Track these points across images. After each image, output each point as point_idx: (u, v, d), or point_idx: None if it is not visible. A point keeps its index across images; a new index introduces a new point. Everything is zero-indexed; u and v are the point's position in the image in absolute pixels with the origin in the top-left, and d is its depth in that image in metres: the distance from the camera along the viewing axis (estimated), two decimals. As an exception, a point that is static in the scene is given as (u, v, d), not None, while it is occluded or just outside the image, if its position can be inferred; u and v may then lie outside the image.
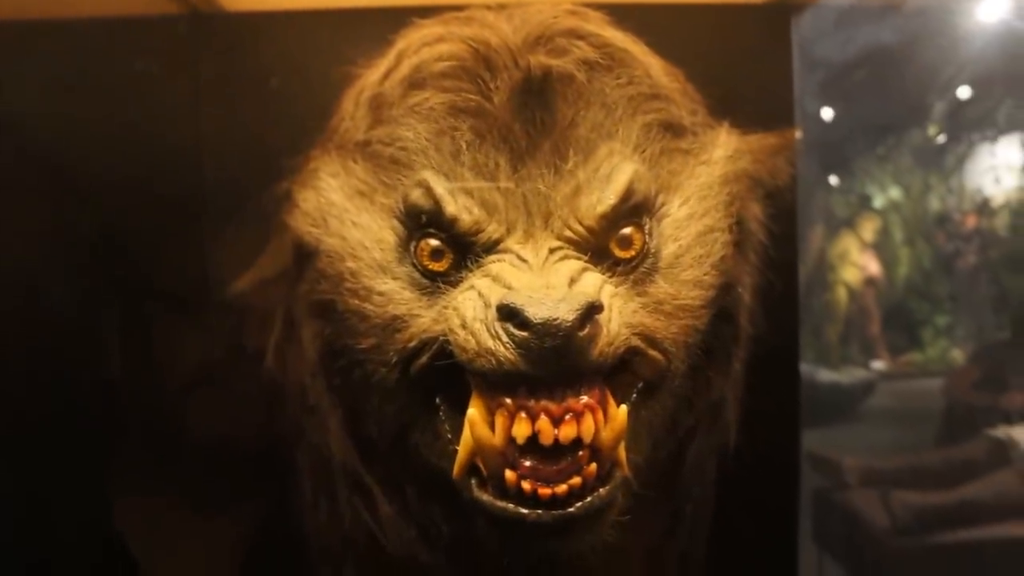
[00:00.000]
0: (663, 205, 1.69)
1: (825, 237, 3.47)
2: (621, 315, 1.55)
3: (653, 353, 1.63)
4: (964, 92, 3.14)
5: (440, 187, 1.62)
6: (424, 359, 1.60)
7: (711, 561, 2.03)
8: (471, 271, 1.60)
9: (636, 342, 1.58)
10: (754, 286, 1.87)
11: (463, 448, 1.55)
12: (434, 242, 1.63)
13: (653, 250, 1.66)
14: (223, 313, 1.96)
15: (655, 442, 1.77)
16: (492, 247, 1.61)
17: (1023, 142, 3.30)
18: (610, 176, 1.64)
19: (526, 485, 1.51)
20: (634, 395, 1.66)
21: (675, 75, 1.80)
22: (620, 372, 1.61)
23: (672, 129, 1.74)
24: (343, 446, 1.81)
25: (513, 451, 1.51)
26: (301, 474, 1.96)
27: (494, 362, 1.48)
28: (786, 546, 2.25)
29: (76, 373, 2.07)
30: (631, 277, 1.64)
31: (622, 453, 1.56)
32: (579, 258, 1.60)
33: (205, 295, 1.99)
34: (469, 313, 1.52)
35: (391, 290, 1.64)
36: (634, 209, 1.65)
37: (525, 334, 1.45)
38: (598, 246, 1.63)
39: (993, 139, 3.33)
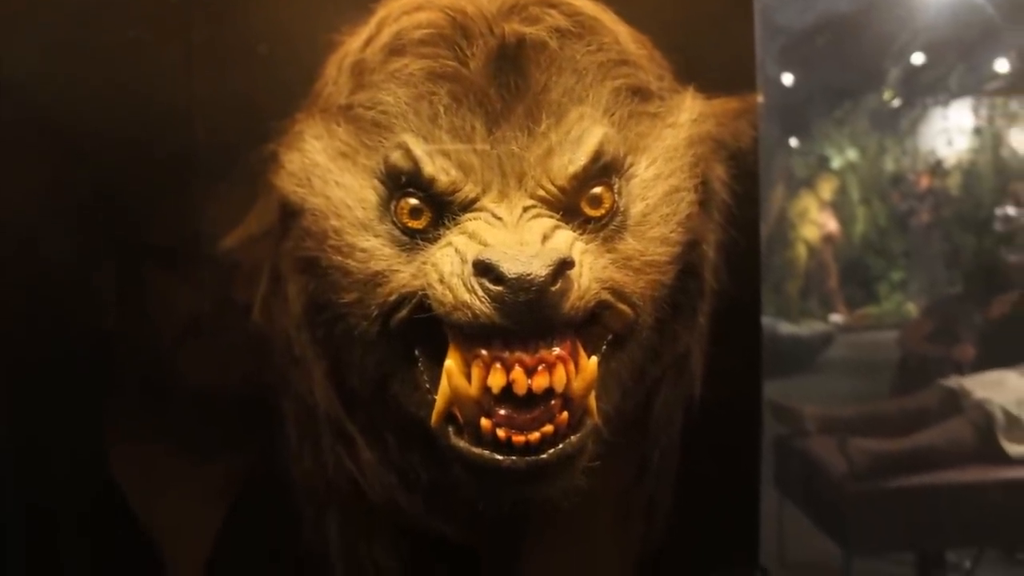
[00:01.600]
0: (631, 166, 1.69)
1: (786, 196, 3.48)
2: (591, 270, 1.55)
3: (622, 307, 1.63)
4: (918, 58, 3.14)
5: (419, 149, 1.62)
6: (403, 312, 1.61)
7: (677, 505, 2.03)
8: (448, 229, 1.61)
9: (606, 296, 1.59)
10: (718, 243, 1.87)
11: (441, 397, 1.56)
12: (413, 201, 1.63)
13: (622, 209, 1.67)
14: (213, 268, 1.95)
15: (624, 392, 1.78)
16: (468, 206, 1.62)
17: (974, 106, 3.31)
18: (581, 138, 1.64)
19: (501, 433, 1.52)
20: (604, 347, 1.67)
21: (642, 42, 1.79)
22: (591, 325, 1.61)
23: (640, 94, 1.74)
24: (327, 396, 1.81)
25: (488, 400, 1.52)
26: (287, 422, 1.95)
27: (470, 315, 1.49)
28: (748, 490, 2.25)
29: (74, 325, 2.06)
30: (601, 235, 1.64)
31: (592, 402, 1.57)
32: (551, 216, 1.61)
33: (196, 251, 1.98)
34: (447, 268, 1.52)
35: (372, 247, 1.64)
36: (603, 170, 1.65)
37: (500, 288, 1.46)
38: (569, 205, 1.63)
39: (945, 103, 3.35)
